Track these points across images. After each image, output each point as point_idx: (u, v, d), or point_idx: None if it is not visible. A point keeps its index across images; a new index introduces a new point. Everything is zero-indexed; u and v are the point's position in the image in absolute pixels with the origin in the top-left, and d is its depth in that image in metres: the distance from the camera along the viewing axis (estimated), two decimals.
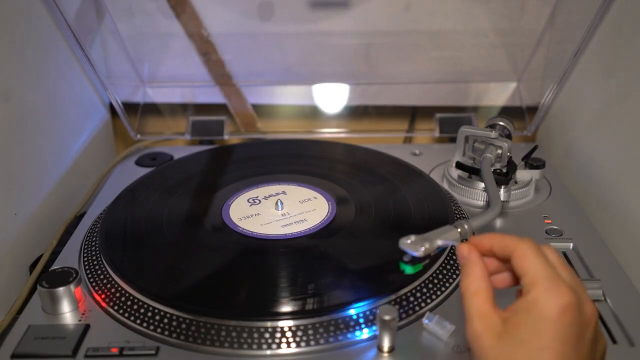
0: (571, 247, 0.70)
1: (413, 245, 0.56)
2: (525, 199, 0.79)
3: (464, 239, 0.61)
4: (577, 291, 0.43)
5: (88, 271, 0.65)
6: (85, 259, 0.68)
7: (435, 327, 0.56)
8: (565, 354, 0.41)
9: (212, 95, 1.05)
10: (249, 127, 1.08)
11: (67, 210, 0.85)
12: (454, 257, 0.66)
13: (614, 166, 0.80)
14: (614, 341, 0.56)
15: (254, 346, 0.55)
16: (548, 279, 0.43)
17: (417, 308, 0.59)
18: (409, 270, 0.58)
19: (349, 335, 0.56)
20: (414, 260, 0.58)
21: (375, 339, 0.56)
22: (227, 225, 0.71)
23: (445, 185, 0.83)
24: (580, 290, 0.44)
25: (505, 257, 0.47)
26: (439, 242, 0.58)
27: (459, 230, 0.60)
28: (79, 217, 0.80)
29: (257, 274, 0.63)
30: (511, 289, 0.50)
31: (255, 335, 0.55)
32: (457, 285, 0.63)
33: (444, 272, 0.63)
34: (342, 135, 1.04)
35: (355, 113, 1.07)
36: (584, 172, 0.87)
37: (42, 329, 0.58)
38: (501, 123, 0.83)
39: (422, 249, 0.56)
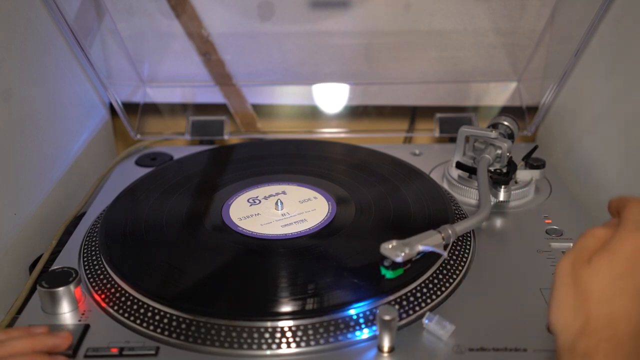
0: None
1: (393, 251, 0.57)
2: (525, 199, 0.79)
3: (446, 244, 0.61)
4: None
5: (88, 271, 0.65)
6: (85, 259, 0.68)
7: (435, 327, 0.56)
8: (619, 291, 0.41)
9: (212, 95, 1.05)
10: (249, 127, 1.08)
11: (67, 210, 0.85)
12: (454, 257, 0.66)
13: (614, 166, 0.80)
14: None
15: (254, 346, 0.55)
16: (636, 222, 0.43)
17: (417, 308, 0.59)
18: (389, 275, 0.59)
19: (349, 335, 0.56)
20: (395, 265, 0.58)
21: (375, 339, 0.56)
22: (227, 225, 0.71)
23: (445, 185, 0.83)
24: None
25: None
26: (420, 248, 0.58)
27: (442, 235, 0.60)
28: (78, 217, 0.80)
29: (257, 274, 0.63)
30: None
31: (255, 335, 0.55)
32: (457, 286, 0.63)
33: (444, 272, 0.63)
34: (342, 135, 1.04)
35: (355, 113, 1.07)
36: (584, 172, 0.87)
37: None
38: (505, 123, 0.83)
39: (402, 254, 0.56)
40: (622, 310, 0.41)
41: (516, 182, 0.79)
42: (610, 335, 0.41)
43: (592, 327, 0.41)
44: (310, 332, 0.56)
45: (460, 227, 0.63)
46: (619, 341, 0.41)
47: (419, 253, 0.59)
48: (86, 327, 0.58)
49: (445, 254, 0.61)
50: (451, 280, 0.63)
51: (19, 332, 0.54)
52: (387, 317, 0.52)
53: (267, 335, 0.55)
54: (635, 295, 0.41)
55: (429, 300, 0.60)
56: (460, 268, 0.65)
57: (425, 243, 0.59)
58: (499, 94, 1.04)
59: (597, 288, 0.42)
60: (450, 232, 0.61)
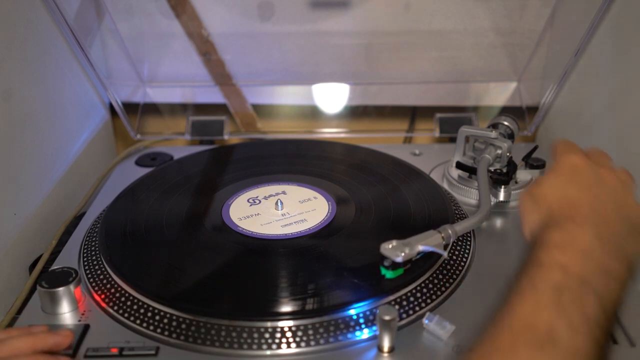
0: None
1: (393, 251, 0.57)
2: None
3: (446, 244, 0.62)
4: (590, 160, 0.53)
5: (88, 271, 0.65)
6: (85, 259, 0.68)
7: (435, 327, 0.56)
8: (567, 184, 0.51)
9: (212, 95, 1.05)
10: (249, 127, 1.08)
11: (67, 210, 0.85)
12: (454, 257, 0.66)
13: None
14: (614, 341, 0.56)
15: (254, 346, 0.55)
16: (564, 150, 0.54)
17: (417, 308, 0.59)
18: (389, 275, 0.59)
19: (349, 335, 0.56)
20: (395, 265, 0.58)
21: (375, 339, 0.56)
22: (227, 225, 0.71)
23: (445, 185, 0.83)
24: (597, 161, 0.53)
25: None
26: (420, 247, 0.58)
27: (442, 235, 0.61)
28: (78, 217, 0.80)
29: (257, 274, 0.63)
30: None
31: (255, 335, 0.55)
32: (457, 286, 0.63)
33: (444, 272, 0.63)
34: (342, 135, 1.04)
35: (355, 113, 1.07)
36: None
37: None
38: (505, 123, 0.83)
39: (402, 254, 0.56)
40: (574, 197, 0.49)
41: (516, 182, 0.79)
42: (573, 213, 0.48)
43: (556, 211, 0.49)
44: (310, 332, 0.56)
45: (460, 227, 0.63)
46: (583, 214, 0.48)
47: (419, 253, 0.59)
48: (86, 327, 0.58)
49: (445, 254, 0.61)
50: (451, 280, 0.63)
51: (19, 332, 0.54)
52: (387, 317, 0.52)
53: (267, 335, 0.55)
54: (581, 189, 0.50)
55: (429, 300, 0.60)
56: (460, 268, 0.65)
57: (425, 243, 0.59)
58: (499, 94, 1.04)
59: (550, 189, 0.51)
60: (450, 232, 0.61)
